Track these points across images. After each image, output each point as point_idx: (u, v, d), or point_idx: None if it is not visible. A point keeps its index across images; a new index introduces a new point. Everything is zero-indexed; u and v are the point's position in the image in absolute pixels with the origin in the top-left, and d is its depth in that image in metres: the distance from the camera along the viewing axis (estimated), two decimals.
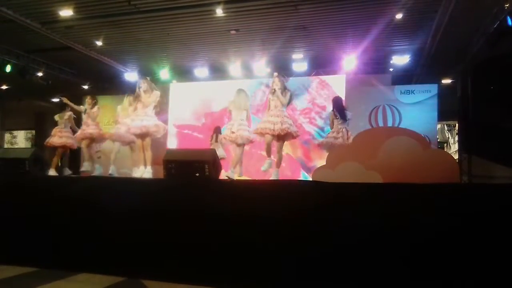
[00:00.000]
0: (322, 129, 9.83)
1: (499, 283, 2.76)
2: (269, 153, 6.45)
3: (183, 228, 3.49)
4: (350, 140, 6.14)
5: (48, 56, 10.33)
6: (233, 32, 8.65)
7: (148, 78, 6.89)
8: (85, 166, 7.29)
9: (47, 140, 7.49)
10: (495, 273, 2.77)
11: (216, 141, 8.55)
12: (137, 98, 6.47)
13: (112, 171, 7.01)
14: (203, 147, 9.28)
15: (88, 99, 7.62)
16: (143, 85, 6.39)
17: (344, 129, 6.47)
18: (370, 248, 3.00)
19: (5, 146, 15.52)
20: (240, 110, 6.49)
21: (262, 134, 6.31)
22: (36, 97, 13.29)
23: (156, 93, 6.43)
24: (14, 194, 4.17)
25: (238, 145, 6.44)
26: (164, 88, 11.44)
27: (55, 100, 13.42)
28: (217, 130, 8.86)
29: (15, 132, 17.90)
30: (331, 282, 3.03)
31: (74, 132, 7.55)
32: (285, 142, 6.84)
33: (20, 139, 18.36)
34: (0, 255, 3.83)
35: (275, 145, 6.61)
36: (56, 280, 3.30)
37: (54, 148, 7.49)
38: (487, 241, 2.82)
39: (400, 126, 9.05)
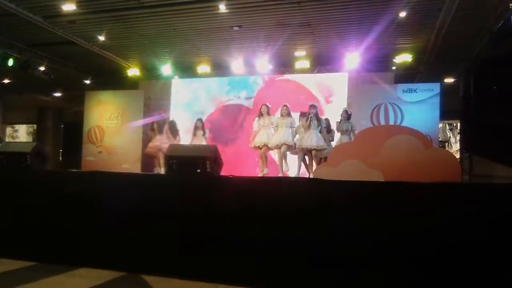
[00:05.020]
0: None
1: (499, 282, 2.76)
2: None
3: (183, 224, 3.49)
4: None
5: (51, 51, 10.30)
6: (236, 28, 8.63)
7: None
8: None
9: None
10: (496, 272, 2.77)
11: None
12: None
13: None
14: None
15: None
16: None
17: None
18: (371, 246, 3.01)
19: (7, 140, 15.53)
20: None
21: None
22: (38, 92, 13.27)
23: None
24: (15, 188, 4.17)
25: None
26: (165, 83, 11.49)
27: (57, 94, 13.47)
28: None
29: (17, 126, 17.94)
30: (332, 279, 3.03)
31: None
32: None
33: (22, 133, 18.41)
34: (1, 248, 3.84)
35: None
36: (56, 275, 3.31)
37: None
38: (487, 241, 2.82)
39: (402, 125, 9.02)
